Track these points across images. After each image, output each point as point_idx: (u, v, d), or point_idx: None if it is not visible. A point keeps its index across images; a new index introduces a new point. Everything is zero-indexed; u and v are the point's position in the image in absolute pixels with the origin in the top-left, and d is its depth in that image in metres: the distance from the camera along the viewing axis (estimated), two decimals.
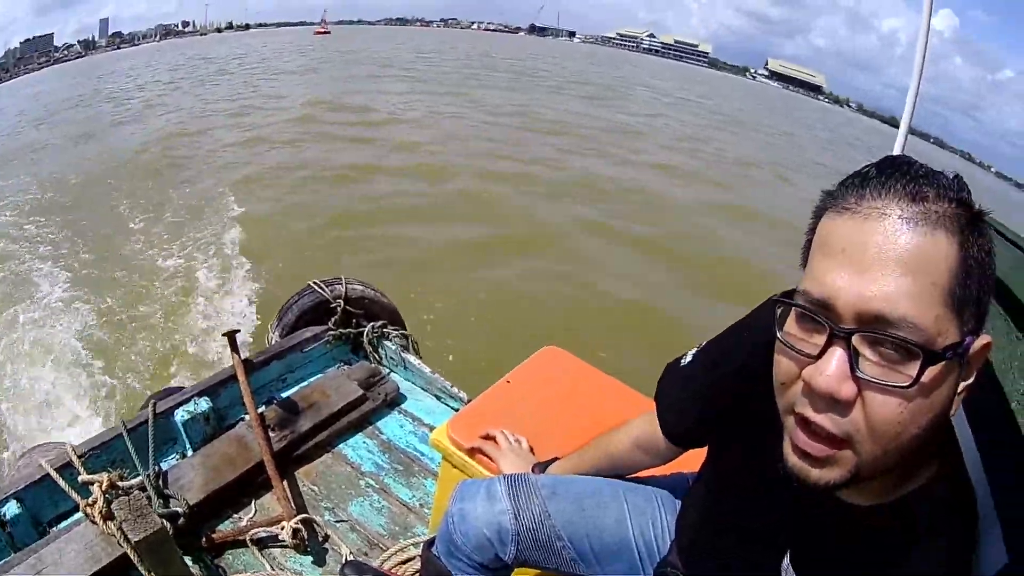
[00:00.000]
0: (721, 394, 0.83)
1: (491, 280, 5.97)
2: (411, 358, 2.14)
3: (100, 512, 1.30)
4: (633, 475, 1.12)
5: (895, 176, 0.52)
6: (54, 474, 1.45)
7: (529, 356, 1.62)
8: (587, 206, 8.76)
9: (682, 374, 0.91)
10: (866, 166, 0.55)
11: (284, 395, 1.94)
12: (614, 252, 7.25)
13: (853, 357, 0.50)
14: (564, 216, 8.16)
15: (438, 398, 2.09)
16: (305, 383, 2.05)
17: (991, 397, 0.67)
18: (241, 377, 1.87)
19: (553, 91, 23.60)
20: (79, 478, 1.45)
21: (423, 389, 2.13)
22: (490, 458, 1.27)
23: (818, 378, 0.51)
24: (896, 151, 1.59)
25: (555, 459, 1.20)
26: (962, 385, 0.54)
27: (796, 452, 0.56)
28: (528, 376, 1.55)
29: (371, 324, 2.23)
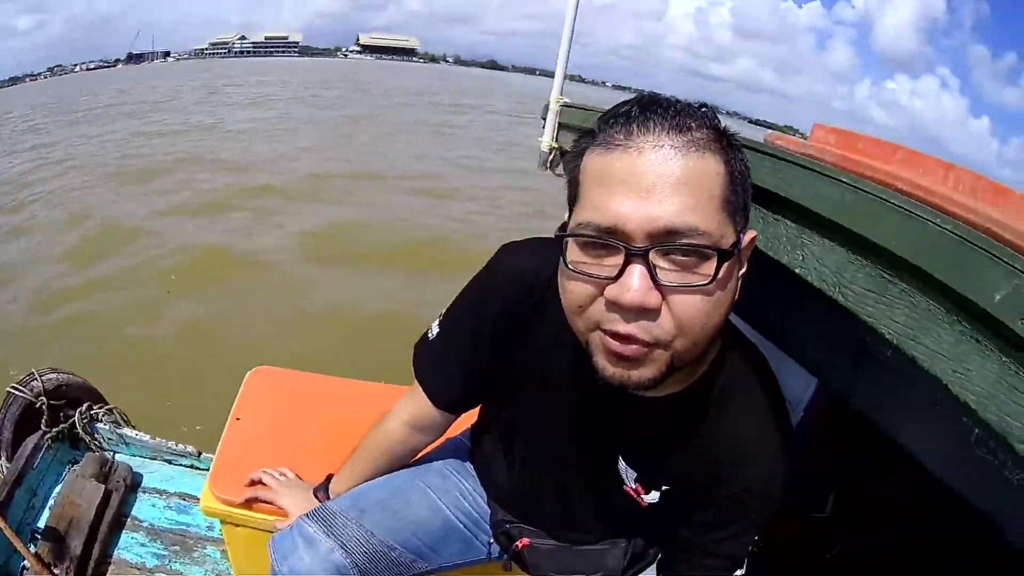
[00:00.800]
0: (487, 345, 0.85)
1: (156, 318, 5.42)
2: (128, 431, 2.08)
3: None
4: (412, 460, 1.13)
5: (658, 112, 0.58)
6: None
7: (240, 385, 1.56)
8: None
9: (435, 346, 0.92)
10: (624, 105, 0.60)
11: (43, 523, 1.92)
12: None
13: (652, 270, 0.56)
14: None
15: (170, 462, 2.07)
16: (52, 500, 2.01)
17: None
18: (2, 524, 1.77)
19: None
20: None
21: (152, 459, 2.10)
22: (268, 502, 1.21)
23: (625, 295, 0.56)
24: (554, 92, 1.73)
25: (330, 476, 1.16)
26: (740, 272, 0.63)
27: (611, 360, 0.61)
28: (254, 405, 1.49)
29: (77, 411, 2.09)
